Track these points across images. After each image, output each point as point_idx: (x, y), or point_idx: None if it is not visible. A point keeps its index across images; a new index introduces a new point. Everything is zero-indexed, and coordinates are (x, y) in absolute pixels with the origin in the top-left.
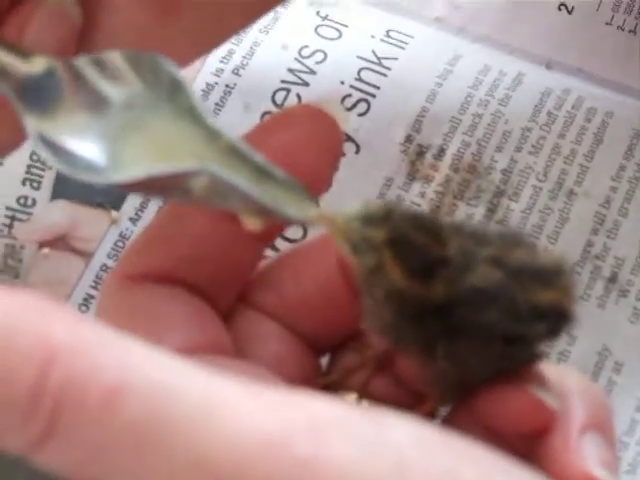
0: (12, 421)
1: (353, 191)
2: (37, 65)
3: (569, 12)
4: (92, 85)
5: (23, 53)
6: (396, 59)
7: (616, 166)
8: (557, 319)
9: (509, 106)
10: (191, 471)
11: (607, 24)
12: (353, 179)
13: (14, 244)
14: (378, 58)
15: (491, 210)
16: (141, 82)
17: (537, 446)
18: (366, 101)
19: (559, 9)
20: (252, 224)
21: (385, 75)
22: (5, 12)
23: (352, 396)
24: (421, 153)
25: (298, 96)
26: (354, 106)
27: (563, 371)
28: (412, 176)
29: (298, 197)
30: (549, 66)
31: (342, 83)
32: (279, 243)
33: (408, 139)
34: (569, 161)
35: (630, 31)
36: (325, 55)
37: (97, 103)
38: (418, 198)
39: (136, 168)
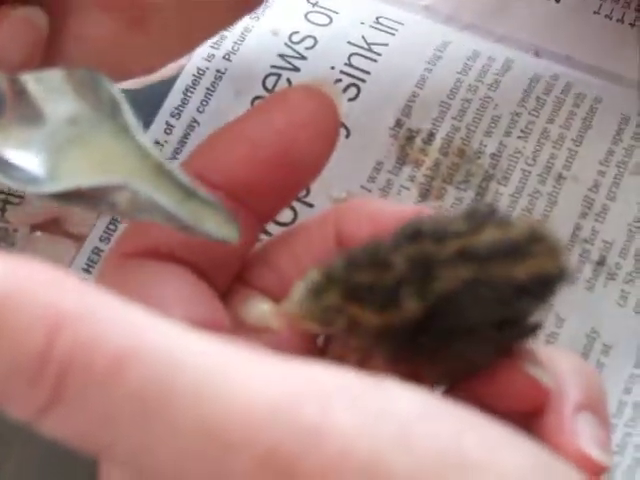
0: (19, 386)
1: (343, 175)
2: None
3: (557, 1)
4: (34, 101)
5: None
6: (386, 45)
7: (604, 150)
8: (543, 286)
9: (498, 91)
10: (198, 438)
11: (595, 13)
12: (343, 163)
13: (7, 227)
14: (368, 44)
15: (480, 194)
16: (82, 99)
17: (531, 424)
18: (356, 86)
19: None
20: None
21: (375, 60)
22: None
23: None
24: (411, 137)
25: (289, 81)
26: (344, 91)
27: (556, 351)
28: (402, 160)
29: (219, 216)
30: (537, 54)
31: (332, 68)
32: (270, 227)
33: (398, 124)
34: (558, 145)
35: (618, 20)
36: (315, 41)
37: (38, 118)
38: (408, 182)
39: (66, 180)
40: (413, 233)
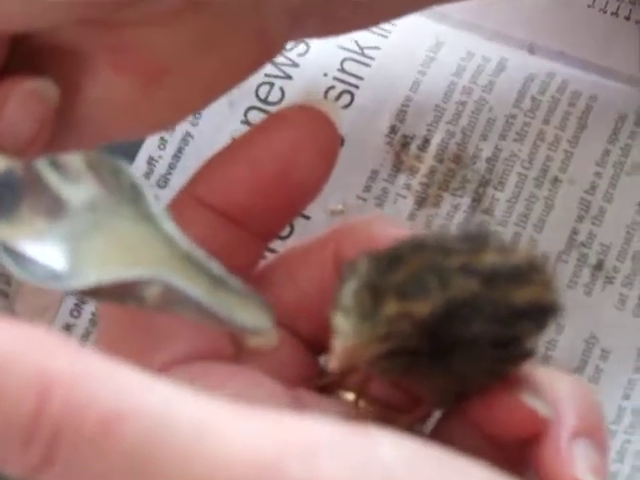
0: (12, 448)
1: (339, 186)
2: None
3: None
4: (52, 188)
5: None
6: (379, 48)
7: (600, 151)
8: (540, 314)
9: (493, 93)
10: None
11: (589, 6)
12: (339, 172)
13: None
14: (361, 48)
15: (476, 200)
16: (102, 185)
17: (529, 451)
18: (350, 92)
19: None
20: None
21: (368, 65)
22: None
23: (350, 396)
24: (406, 144)
25: (281, 90)
26: (337, 98)
27: (553, 375)
28: (397, 168)
29: (253, 305)
30: (531, 50)
31: (325, 75)
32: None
33: (393, 130)
34: (554, 147)
35: (612, 13)
36: (308, 46)
37: (57, 206)
38: (404, 190)
39: (91, 275)
40: (417, 246)
